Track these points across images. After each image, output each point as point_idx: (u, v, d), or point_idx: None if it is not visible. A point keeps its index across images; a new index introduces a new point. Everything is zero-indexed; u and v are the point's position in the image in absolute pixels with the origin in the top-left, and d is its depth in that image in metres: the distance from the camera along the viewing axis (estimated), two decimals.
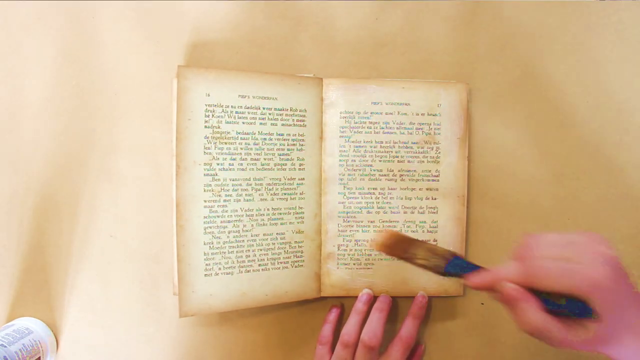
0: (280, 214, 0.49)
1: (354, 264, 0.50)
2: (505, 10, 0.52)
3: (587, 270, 0.34)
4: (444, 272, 0.39)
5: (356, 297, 0.50)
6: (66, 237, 0.52)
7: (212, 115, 0.46)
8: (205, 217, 0.47)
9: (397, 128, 0.49)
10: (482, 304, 0.52)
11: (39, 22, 0.52)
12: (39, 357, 0.50)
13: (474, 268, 0.38)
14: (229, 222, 0.47)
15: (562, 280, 0.34)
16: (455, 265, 0.39)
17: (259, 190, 0.48)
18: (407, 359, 0.48)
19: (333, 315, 0.51)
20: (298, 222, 0.49)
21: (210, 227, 0.47)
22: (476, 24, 0.52)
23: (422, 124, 0.49)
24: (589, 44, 0.52)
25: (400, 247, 0.41)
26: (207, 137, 0.46)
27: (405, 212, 0.50)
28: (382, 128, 0.49)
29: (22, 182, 0.52)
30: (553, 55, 0.52)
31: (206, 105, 0.46)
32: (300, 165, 0.49)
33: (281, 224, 0.49)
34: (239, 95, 0.47)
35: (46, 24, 0.52)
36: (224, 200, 0.47)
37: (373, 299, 0.50)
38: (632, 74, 0.51)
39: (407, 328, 0.48)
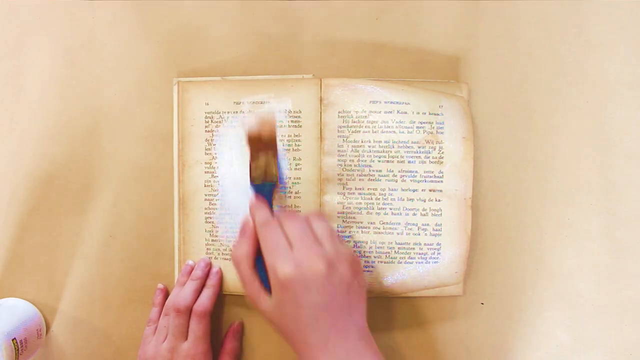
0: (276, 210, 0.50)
1: None
2: (506, 10, 0.51)
3: (281, 262, 0.39)
4: (251, 184, 0.47)
5: None
6: (66, 237, 0.52)
7: (211, 121, 0.50)
8: (205, 209, 0.50)
9: (397, 127, 0.49)
10: (482, 303, 0.51)
11: (39, 22, 0.52)
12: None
13: (269, 205, 0.45)
14: (226, 214, 0.50)
15: (266, 254, 0.40)
16: (260, 190, 0.46)
17: None
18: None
19: (159, 298, 0.51)
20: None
21: (210, 217, 0.50)
22: (476, 24, 0.52)
23: (424, 122, 0.49)
24: (590, 43, 0.51)
25: (266, 142, 0.47)
26: (208, 140, 0.50)
27: (407, 214, 0.49)
28: (381, 127, 0.49)
29: (22, 182, 0.52)
30: (554, 54, 0.51)
31: (205, 112, 0.50)
32: (297, 165, 0.49)
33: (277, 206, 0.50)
34: (234, 102, 0.50)
35: (46, 24, 0.52)
36: (222, 195, 0.50)
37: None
38: (634, 73, 0.51)
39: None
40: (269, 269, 0.39)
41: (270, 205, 0.45)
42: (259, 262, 0.41)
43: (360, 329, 0.40)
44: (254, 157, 0.47)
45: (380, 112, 0.49)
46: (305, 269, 0.38)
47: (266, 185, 0.46)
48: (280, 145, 0.49)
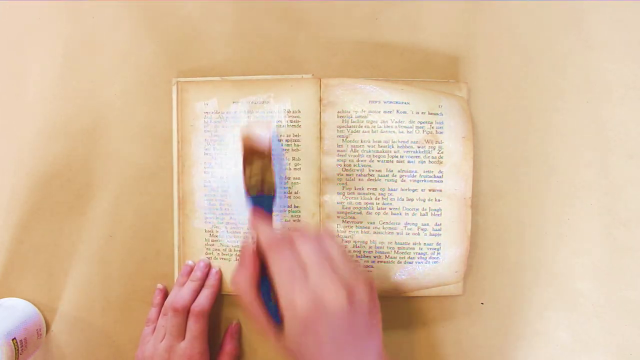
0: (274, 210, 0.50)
1: None
2: (506, 10, 0.51)
3: (298, 294, 0.35)
4: (247, 196, 0.41)
5: None
6: (66, 237, 0.52)
7: (211, 121, 0.50)
8: (205, 209, 0.51)
9: (396, 127, 0.49)
10: (482, 303, 0.51)
11: (40, 22, 0.52)
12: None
13: (267, 216, 0.40)
14: (226, 214, 0.50)
15: (278, 284, 0.36)
16: (259, 203, 0.41)
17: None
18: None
19: (158, 298, 0.51)
20: (294, 220, 0.50)
21: (210, 218, 0.50)
22: (476, 24, 0.52)
23: (423, 122, 0.49)
24: (590, 43, 0.51)
25: (256, 151, 0.43)
26: (207, 140, 0.50)
27: (406, 214, 0.49)
28: (380, 127, 0.49)
29: (22, 182, 0.52)
30: (554, 54, 0.51)
31: (204, 113, 0.50)
32: (296, 165, 0.49)
33: (277, 219, 0.50)
34: (233, 102, 0.50)
35: (46, 24, 0.52)
36: (221, 195, 0.50)
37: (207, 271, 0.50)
38: (634, 73, 0.51)
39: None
40: (283, 301, 0.35)
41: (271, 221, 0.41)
42: (264, 286, 0.37)
43: (378, 351, 0.38)
44: (248, 162, 0.42)
45: (379, 111, 0.49)
46: (326, 302, 0.35)
47: (265, 198, 0.42)
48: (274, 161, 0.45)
